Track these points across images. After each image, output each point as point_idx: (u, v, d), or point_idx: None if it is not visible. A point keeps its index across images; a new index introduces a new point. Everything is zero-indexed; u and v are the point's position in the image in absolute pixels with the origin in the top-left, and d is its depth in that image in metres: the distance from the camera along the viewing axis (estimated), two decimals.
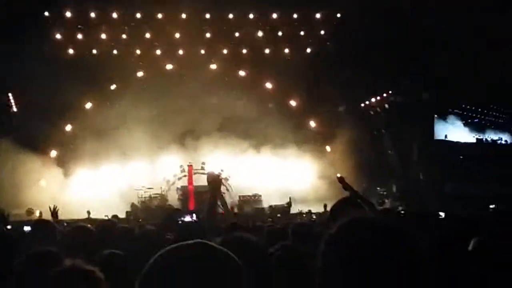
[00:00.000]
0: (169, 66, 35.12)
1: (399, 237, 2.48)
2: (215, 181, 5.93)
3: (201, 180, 33.72)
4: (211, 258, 2.24)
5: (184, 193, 33.16)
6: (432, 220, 10.83)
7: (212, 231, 5.43)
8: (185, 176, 34.28)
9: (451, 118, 36.40)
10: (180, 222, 5.20)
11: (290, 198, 31.76)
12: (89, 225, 6.59)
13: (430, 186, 31.71)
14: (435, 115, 34.84)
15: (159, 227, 5.57)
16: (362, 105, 36.21)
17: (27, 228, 9.75)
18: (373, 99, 35.86)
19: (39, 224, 7.37)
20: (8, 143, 32.43)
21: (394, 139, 34.79)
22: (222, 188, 32.63)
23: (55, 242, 6.18)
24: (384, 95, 35.04)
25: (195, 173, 34.16)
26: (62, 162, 34.06)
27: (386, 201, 30.70)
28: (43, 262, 4.09)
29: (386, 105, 35.08)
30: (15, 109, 33.29)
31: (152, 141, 34.50)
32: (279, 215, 28.56)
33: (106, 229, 7.32)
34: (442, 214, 15.24)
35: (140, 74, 35.06)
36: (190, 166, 33.90)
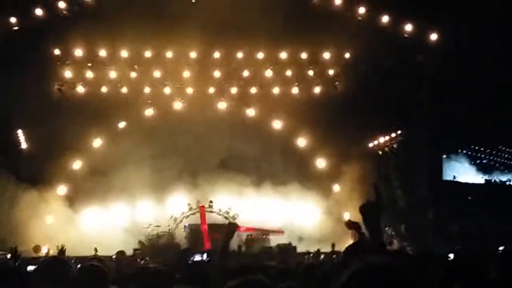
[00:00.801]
0: (177, 105, 35.20)
1: (413, 283, 2.46)
2: (232, 227, 5.90)
3: (210, 219, 33.74)
4: None
5: (192, 231, 33.06)
6: (441, 261, 10.79)
7: (225, 272, 5.40)
8: (192, 214, 34.22)
9: (460, 158, 36.36)
10: (190, 262, 5.16)
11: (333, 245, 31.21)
12: (99, 264, 6.57)
13: (438, 226, 31.57)
14: (444, 156, 34.78)
15: (169, 266, 5.53)
16: (371, 145, 36.17)
17: (30, 268, 9.74)
18: (381, 139, 35.83)
19: (53, 261, 7.37)
20: (16, 180, 32.55)
21: (402, 179, 34.71)
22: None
23: (66, 280, 6.19)
24: (393, 135, 35.02)
25: None
26: (70, 199, 34.07)
27: (395, 241, 30.52)
28: None
29: (395, 145, 35.06)
30: (24, 146, 33.37)
31: (160, 179, 34.54)
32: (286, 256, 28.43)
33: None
34: (451, 255, 15.23)
35: (148, 112, 35.15)
36: (202, 206, 33.81)
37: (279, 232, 33.61)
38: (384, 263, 2.55)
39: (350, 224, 6.68)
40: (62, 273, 6.68)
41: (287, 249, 30.64)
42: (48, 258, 7.92)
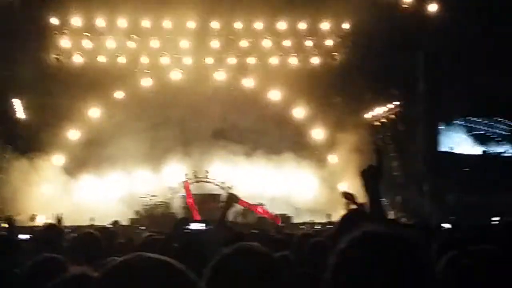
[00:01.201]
0: (175, 75, 35.13)
1: (415, 250, 2.44)
2: (233, 198, 5.84)
3: (206, 188, 33.81)
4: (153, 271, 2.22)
5: None
6: (437, 232, 10.83)
7: (220, 241, 5.38)
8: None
9: (457, 129, 36.33)
10: (186, 230, 5.12)
11: (328, 216, 31.25)
12: (95, 232, 6.59)
13: (434, 197, 31.66)
14: (441, 127, 34.76)
15: (166, 236, 5.52)
16: (368, 116, 36.15)
17: (23, 236, 9.78)
18: (378, 110, 35.81)
19: (49, 229, 7.40)
20: (13, 149, 32.59)
21: (398, 150, 34.75)
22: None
23: (62, 248, 6.20)
24: (390, 106, 35.00)
25: (198, 181, 34.24)
26: (66, 169, 34.12)
27: (391, 212, 30.61)
28: (50, 268, 4.09)
29: (392, 116, 35.05)
30: (20, 115, 33.34)
31: (157, 149, 34.57)
32: (284, 224, 28.57)
33: (111, 236, 7.33)
34: (446, 225, 15.29)
35: (145, 82, 35.09)
36: (186, 182, 33.83)
37: (275, 218, 33.36)
38: (385, 230, 2.53)
39: (346, 195, 6.64)
40: (58, 240, 6.71)
41: (283, 220, 30.75)
42: (44, 227, 7.93)
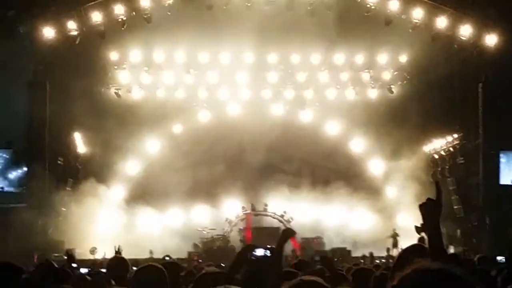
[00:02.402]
0: (232, 109, 35.37)
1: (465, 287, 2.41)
2: (289, 232, 5.79)
3: (265, 222, 33.77)
4: None
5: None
6: (495, 265, 10.67)
7: (280, 274, 5.37)
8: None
9: None
10: (253, 257, 5.10)
11: (388, 249, 30.99)
12: (159, 265, 6.65)
13: (494, 231, 31.11)
14: (502, 159, 34.16)
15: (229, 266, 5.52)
16: (427, 149, 35.81)
17: (83, 270, 9.91)
18: (437, 143, 35.46)
19: (115, 261, 7.52)
20: (74, 182, 33.07)
21: (458, 183, 34.32)
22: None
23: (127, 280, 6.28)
24: (450, 138, 34.62)
25: (257, 215, 34.23)
26: (126, 202, 34.45)
27: (451, 246, 30.18)
28: None
29: (451, 149, 34.66)
30: (81, 149, 33.85)
31: (215, 182, 34.72)
32: (340, 258, 28.33)
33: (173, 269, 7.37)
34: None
35: (204, 116, 35.40)
36: (248, 214, 33.83)
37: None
38: (440, 266, 2.51)
39: (418, 229, 6.41)
40: (123, 273, 6.81)
41: (341, 253, 30.51)
42: (112, 259, 8.07)
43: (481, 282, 2.50)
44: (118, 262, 7.58)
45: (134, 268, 7.03)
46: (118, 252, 10.19)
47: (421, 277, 2.45)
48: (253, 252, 5.10)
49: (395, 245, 31.40)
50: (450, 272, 2.46)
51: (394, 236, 32.07)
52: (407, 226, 30.96)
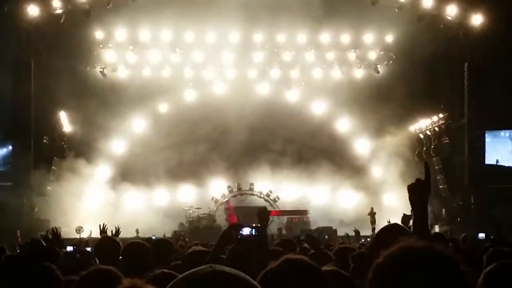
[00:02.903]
0: (218, 88, 35.33)
1: (452, 269, 2.42)
2: (264, 213, 5.78)
3: (251, 201, 33.84)
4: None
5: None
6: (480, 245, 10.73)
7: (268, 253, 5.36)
8: (233, 196, 34.47)
9: (503, 142, 35.75)
10: (240, 236, 5.07)
11: (373, 229, 31.07)
12: (145, 243, 6.67)
13: (480, 211, 31.30)
14: (486, 139, 34.32)
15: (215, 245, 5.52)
16: (412, 128, 35.92)
17: (69, 248, 9.90)
18: (422, 122, 35.56)
19: (105, 241, 7.54)
20: (59, 161, 32.99)
21: (443, 162, 34.47)
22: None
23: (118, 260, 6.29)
24: (435, 118, 34.72)
25: (243, 194, 34.34)
26: (111, 181, 34.43)
27: (436, 226, 30.35)
28: (105, 280, 4.18)
29: (436, 128, 34.76)
30: (66, 128, 33.73)
31: (200, 161, 34.74)
32: (326, 236, 28.40)
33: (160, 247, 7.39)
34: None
35: (189, 95, 35.34)
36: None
37: (303, 213, 33.71)
38: (425, 245, 2.51)
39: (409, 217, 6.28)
40: (114, 251, 6.82)
41: (328, 232, 30.61)
42: (102, 238, 8.07)
43: (466, 260, 2.51)
44: (108, 242, 7.58)
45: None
46: (103, 231, 10.16)
47: (407, 255, 2.45)
48: (240, 231, 5.09)
49: (373, 223, 31.69)
50: (435, 250, 2.46)
51: (372, 214, 32.36)
52: (393, 205, 31.28)
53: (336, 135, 36.17)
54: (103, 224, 10.35)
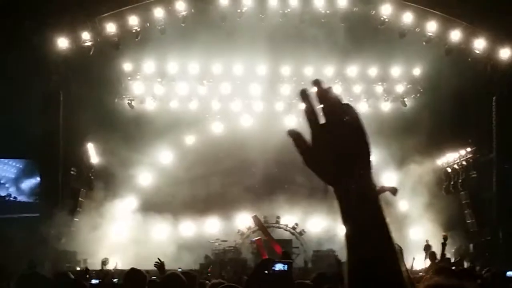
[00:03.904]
0: (245, 121, 35.42)
1: None
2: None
3: (276, 234, 33.69)
4: None
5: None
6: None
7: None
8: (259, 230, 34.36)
9: None
10: (271, 272, 5.06)
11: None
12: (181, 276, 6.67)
13: (508, 245, 30.94)
14: None
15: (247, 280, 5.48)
16: (439, 162, 35.72)
17: (94, 281, 9.93)
18: (450, 156, 35.37)
19: (131, 274, 7.55)
20: (87, 193, 33.14)
21: (471, 197, 34.19)
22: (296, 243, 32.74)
23: None
24: (463, 152, 34.53)
25: (270, 227, 34.17)
26: (138, 213, 34.47)
27: (464, 262, 30.02)
28: None
29: (464, 162, 34.55)
30: (94, 160, 33.91)
31: (227, 194, 34.73)
32: None
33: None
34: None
35: (216, 128, 35.47)
36: (258, 240, 33.67)
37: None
38: (452, 282, 2.50)
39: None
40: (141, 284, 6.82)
41: None
42: (130, 271, 8.10)
43: None
44: (135, 274, 7.60)
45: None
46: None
47: None
48: (272, 267, 5.09)
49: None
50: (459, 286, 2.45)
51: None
52: (418, 239, 31.03)
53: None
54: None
